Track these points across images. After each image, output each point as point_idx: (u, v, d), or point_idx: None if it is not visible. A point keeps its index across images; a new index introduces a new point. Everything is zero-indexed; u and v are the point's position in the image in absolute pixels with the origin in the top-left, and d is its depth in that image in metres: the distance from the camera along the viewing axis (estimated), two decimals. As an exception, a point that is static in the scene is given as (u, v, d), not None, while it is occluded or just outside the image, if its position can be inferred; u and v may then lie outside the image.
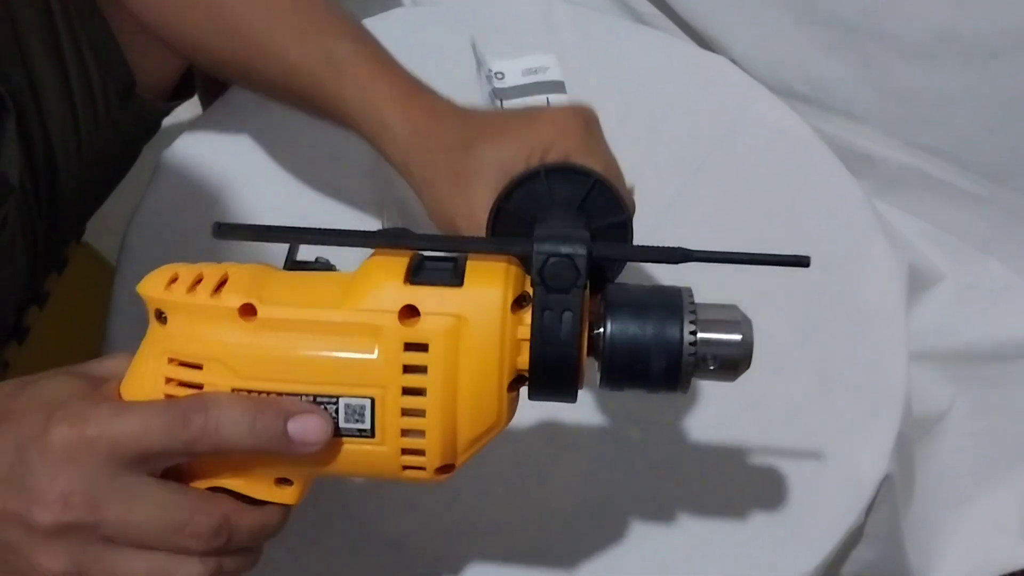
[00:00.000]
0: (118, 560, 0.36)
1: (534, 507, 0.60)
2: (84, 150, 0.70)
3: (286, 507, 0.39)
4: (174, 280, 0.38)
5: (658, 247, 0.38)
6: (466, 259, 0.38)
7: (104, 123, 0.71)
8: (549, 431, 0.62)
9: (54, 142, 0.67)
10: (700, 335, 0.37)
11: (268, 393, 0.37)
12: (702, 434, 0.62)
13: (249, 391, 0.37)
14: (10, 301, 0.67)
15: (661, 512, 0.60)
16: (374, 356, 0.36)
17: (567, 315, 0.36)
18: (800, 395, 0.64)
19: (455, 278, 0.37)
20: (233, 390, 0.37)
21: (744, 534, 0.59)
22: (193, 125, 0.77)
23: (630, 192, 0.50)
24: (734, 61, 0.88)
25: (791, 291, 0.69)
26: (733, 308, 0.40)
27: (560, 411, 0.62)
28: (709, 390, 0.64)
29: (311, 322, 0.37)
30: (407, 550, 0.58)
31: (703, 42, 0.96)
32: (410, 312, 0.36)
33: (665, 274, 0.64)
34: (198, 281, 0.37)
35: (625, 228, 0.46)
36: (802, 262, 0.41)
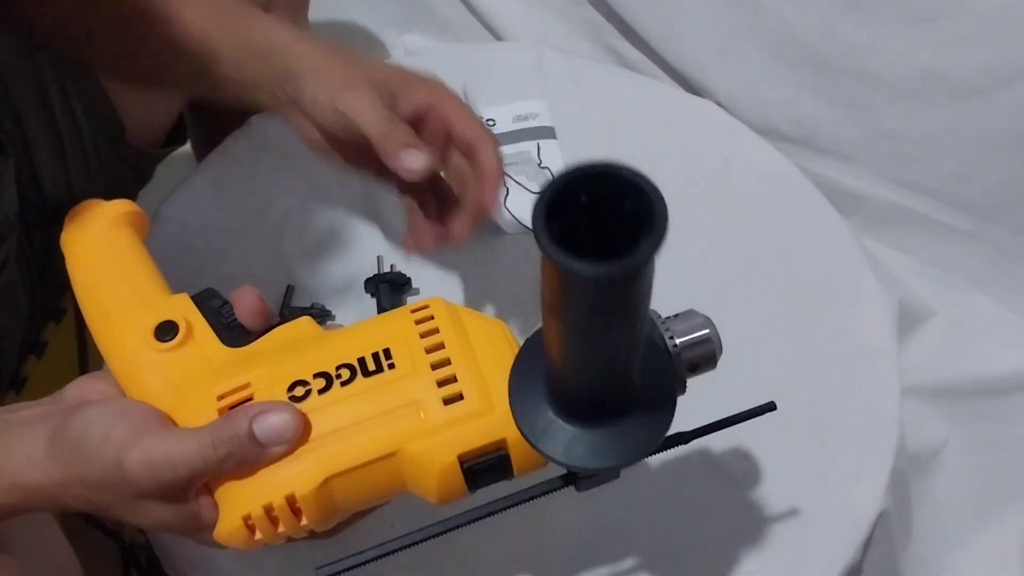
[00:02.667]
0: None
1: (532, 548, 0.60)
2: (75, 197, 0.71)
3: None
4: (250, 523, 0.40)
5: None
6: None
7: (95, 170, 0.72)
8: (546, 471, 0.62)
9: (45, 189, 0.68)
10: (678, 340, 0.42)
11: None
12: (698, 473, 0.63)
13: None
14: (11, 347, 0.68)
15: (658, 552, 0.60)
16: None
17: None
18: (794, 433, 0.64)
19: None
20: None
21: (741, 572, 0.59)
22: (190, 176, 0.78)
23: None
24: (721, 104, 0.90)
25: (783, 330, 0.69)
26: (691, 312, 0.44)
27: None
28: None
29: None
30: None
31: (690, 87, 0.97)
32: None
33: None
34: (275, 519, 0.40)
35: None
36: (770, 407, 0.48)
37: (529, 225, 0.74)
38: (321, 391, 0.40)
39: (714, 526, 0.61)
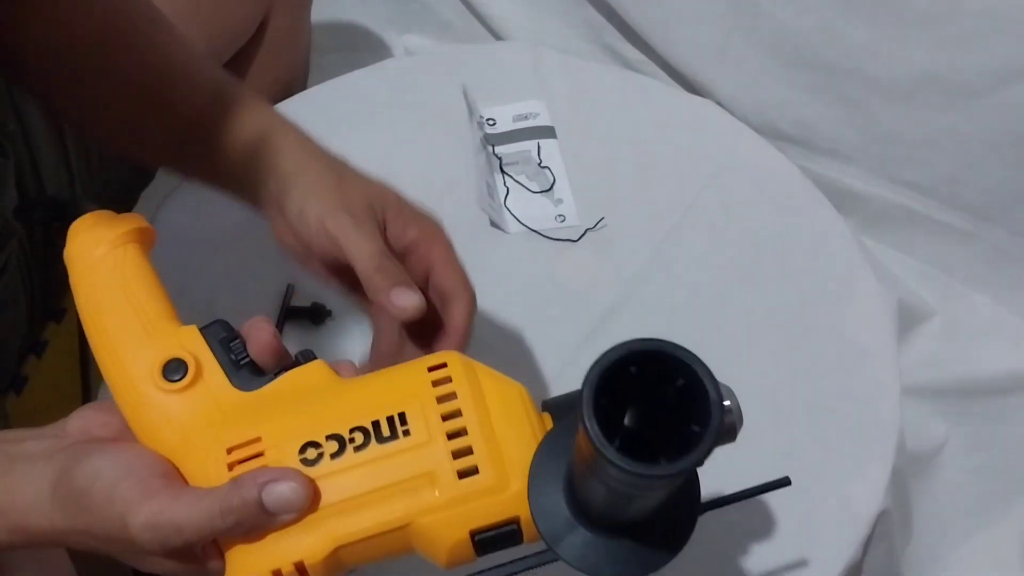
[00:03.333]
0: None
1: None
2: (78, 196, 0.71)
3: None
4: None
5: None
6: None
7: (97, 170, 0.72)
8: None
9: (48, 188, 0.68)
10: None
11: None
12: (698, 473, 0.63)
13: None
14: (12, 348, 0.68)
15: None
16: None
17: None
18: (793, 433, 0.64)
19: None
20: None
21: (742, 572, 0.59)
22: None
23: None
24: (721, 104, 0.90)
25: (782, 330, 0.69)
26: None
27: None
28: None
29: None
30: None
31: (690, 87, 0.98)
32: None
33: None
34: None
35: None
36: (784, 483, 0.46)
37: (530, 225, 0.74)
38: (334, 455, 0.39)
39: (712, 527, 0.61)
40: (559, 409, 0.41)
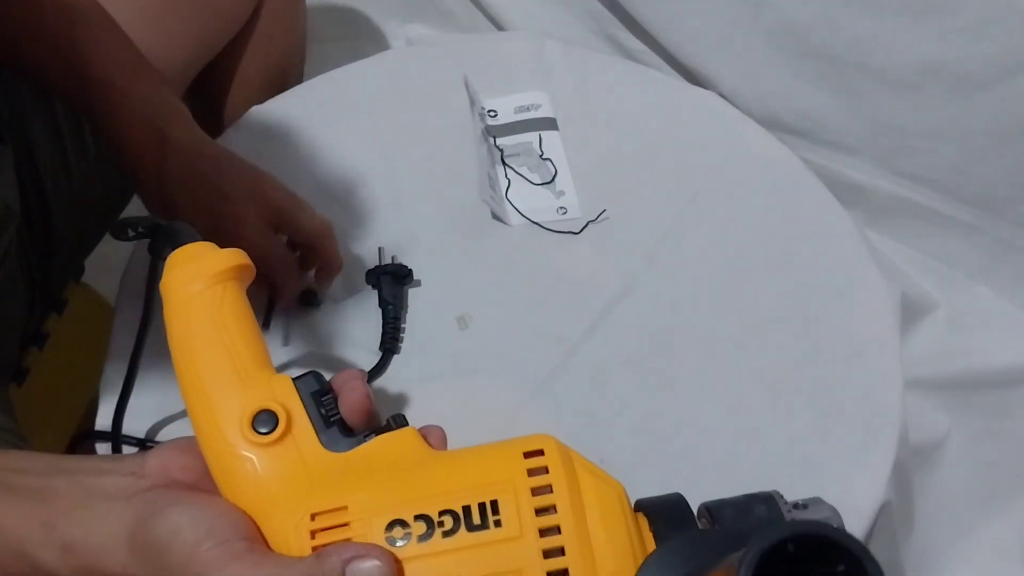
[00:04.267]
0: None
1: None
2: (75, 184, 0.71)
3: None
4: None
5: None
6: None
7: (94, 163, 0.72)
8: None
9: (43, 176, 0.68)
10: None
11: None
12: (699, 466, 0.63)
13: None
14: (13, 338, 0.68)
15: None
16: None
17: None
18: (796, 425, 0.64)
19: None
20: None
21: (744, 565, 0.59)
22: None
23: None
24: (723, 96, 0.90)
25: (785, 322, 0.69)
26: (818, 501, 0.42)
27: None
28: (704, 421, 0.64)
29: None
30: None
31: (693, 78, 0.97)
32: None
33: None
34: None
35: None
36: None
37: (531, 217, 0.74)
38: (421, 537, 0.38)
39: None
40: (655, 513, 0.40)
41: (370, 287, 0.69)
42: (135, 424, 0.60)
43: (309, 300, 0.69)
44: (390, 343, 0.66)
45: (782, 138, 0.81)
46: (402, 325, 0.68)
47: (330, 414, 0.41)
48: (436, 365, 0.66)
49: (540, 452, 0.40)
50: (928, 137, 0.89)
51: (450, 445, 0.43)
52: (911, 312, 0.89)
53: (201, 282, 0.43)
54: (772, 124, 0.90)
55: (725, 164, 0.78)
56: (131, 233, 0.48)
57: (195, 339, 0.42)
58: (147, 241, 0.47)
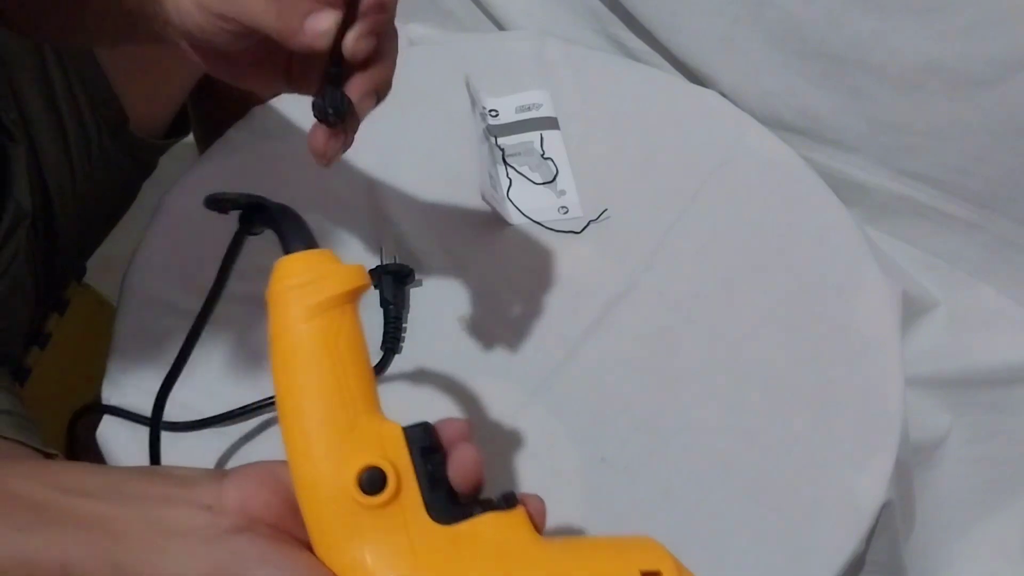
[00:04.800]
0: None
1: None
2: (79, 185, 0.71)
3: None
4: None
5: None
6: None
7: (97, 158, 0.72)
8: (548, 462, 0.62)
9: (48, 177, 0.68)
10: None
11: None
12: (700, 464, 0.63)
13: None
14: (18, 336, 0.68)
15: (661, 542, 0.60)
16: None
17: None
18: (797, 424, 0.64)
19: None
20: None
21: (744, 563, 0.59)
22: (193, 166, 0.78)
23: None
24: (724, 95, 0.90)
25: (786, 320, 0.69)
26: None
27: (554, 441, 0.63)
28: (704, 421, 0.64)
29: None
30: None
31: (694, 77, 0.97)
32: None
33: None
34: None
35: None
36: None
37: (532, 217, 0.74)
38: None
39: (715, 517, 0.62)
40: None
41: (371, 287, 0.69)
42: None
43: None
44: (391, 343, 0.66)
45: (783, 137, 0.82)
46: (403, 325, 0.68)
47: (438, 473, 0.38)
48: (437, 365, 0.66)
49: (658, 573, 0.37)
50: (929, 135, 0.88)
51: None
52: (912, 310, 0.89)
53: (318, 303, 0.38)
54: (773, 123, 0.90)
55: (726, 163, 0.78)
56: (230, 207, 0.44)
57: (305, 371, 0.38)
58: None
